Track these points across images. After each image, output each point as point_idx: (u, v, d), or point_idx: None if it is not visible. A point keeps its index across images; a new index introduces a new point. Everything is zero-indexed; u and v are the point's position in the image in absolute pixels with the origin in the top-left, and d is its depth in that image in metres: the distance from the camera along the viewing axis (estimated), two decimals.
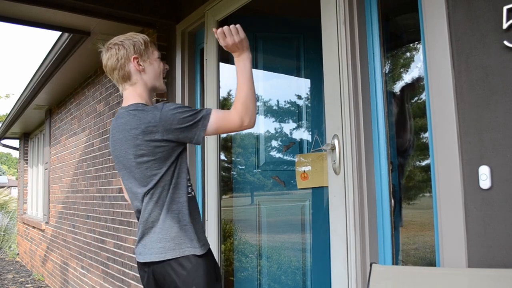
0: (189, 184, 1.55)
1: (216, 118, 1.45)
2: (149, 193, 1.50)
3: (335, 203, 1.67)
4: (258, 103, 2.85)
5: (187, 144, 1.52)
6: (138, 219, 1.57)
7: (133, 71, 1.56)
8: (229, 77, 2.90)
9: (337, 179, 1.67)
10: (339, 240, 1.65)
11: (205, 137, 2.52)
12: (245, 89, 1.46)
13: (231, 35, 1.47)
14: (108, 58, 1.57)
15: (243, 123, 1.44)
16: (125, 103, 1.58)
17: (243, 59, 1.50)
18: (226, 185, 2.89)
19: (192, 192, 1.57)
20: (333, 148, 1.67)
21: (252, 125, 1.45)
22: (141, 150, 1.47)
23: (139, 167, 1.49)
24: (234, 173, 2.92)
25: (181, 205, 1.49)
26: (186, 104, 2.83)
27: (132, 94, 1.57)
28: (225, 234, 2.98)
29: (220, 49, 2.53)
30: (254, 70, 2.85)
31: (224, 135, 2.87)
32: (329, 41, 1.74)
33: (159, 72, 1.64)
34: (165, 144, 1.45)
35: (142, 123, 1.46)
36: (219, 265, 1.59)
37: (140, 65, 1.57)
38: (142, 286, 3.15)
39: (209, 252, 1.53)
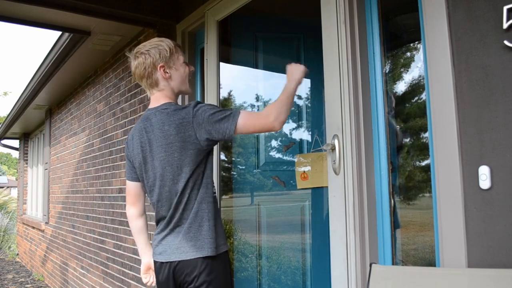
0: (213, 185, 1.64)
1: (246, 114, 1.53)
2: (180, 191, 1.56)
3: (335, 203, 1.67)
4: (258, 103, 2.85)
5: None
6: (160, 219, 1.65)
7: (160, 78, 1.63)
8: (229, 77, 2.90)
9: (337, 179, 1.67)
10: (339, 240, 1.64)
11: None
12: (282, 98, 1.55)
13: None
14: (136, 66, 1.65)
15: (273, 120, 1.49)
16: (153, 105, 1.65)
17: (293, 80, 1.62)
18: (226, 185, 2.89)
19: (216, 193, 1.67)
20: (333, 148, 1.67)
21: (279, 126, 1.51)
22: (174, 147, 1.54)
23: (171, 165, 1.55)
24: (234, 173, 2.92)
25: (210, 205, 1.57)
26: None
27: (161, 96, 1.65)
28: (225, 234, 2.97)
29: (220, 49, 2.53)
30: (254, 70, 2.86)
31: None
32: (329, 41, 1.74)
33: (185, 76, 1.70)
34: (197, 141, 1.53)
35: (176, 119, 1.54)
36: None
37: (167, 72, 1.63)
38: (142, 286, 3.16)
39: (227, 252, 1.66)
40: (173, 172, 1.56)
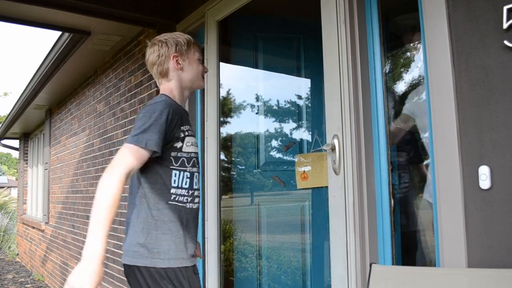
0: (182, 193, 1.52)
1: (130, 151, 1.39)
2: (132, 192, 1.53)
3: (335, 203, 1.67)
4: (259, 103, 2.85)
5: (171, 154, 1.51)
6: None
7: (171, 68, 1.61)
8: (229, 77, 2.90)
9: (337, 179, 1.66)
10: (339, 240, 1.64)
11: (206, 136, 2.54)
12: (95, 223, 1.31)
13: None
14: (150, 53, 1.63)
15: (110, 176, 1.34)
16: None
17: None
18: (226, 185, 2.89)
19: (189, 204, 1.55)
20: (333, 148, 1.67)
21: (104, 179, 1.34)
22: None
23: None
24: (234, 173, 2.92)
25: (160, 212, 1.48)
26: (187, 107, 2.82)
27: (164, 88, 1.63)
28: (225, 235, 2.98)
29: (220, 49, 2.53)
30: (254, 70, 2.86)
31: (224, 134, 2.87)
32: (329, 41, 1.74)
33: (198, 72, 1.67)
34: None
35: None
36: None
37: (179, 63, 1.62)
38: None
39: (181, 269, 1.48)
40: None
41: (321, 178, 2.37)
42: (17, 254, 8.85)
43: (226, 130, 2.92)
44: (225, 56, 2.70)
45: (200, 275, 2.74)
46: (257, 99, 2.85)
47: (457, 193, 1.27)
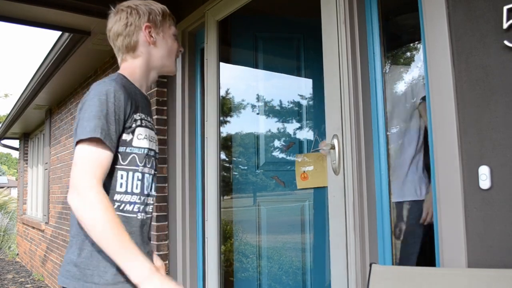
0: (131, 200, 1.22)
1: (91, 151, 1.11)
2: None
3: (335, 203, 1.67)
4: (259, 103, 2.85)
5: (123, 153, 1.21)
6: None
7: (141, 41, 1.32)
8: (229, 77, 2.90)
9: (336, 179, 1.66)
10: (339, 241, 1.64)
11: (206, 136, 2.54)
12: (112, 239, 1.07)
13: None
14: (115, 21, 1.32)
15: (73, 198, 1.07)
16: None
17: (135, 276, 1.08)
18: (226, 186, 2.89)
19: (140, 214, 1.24)
20: (332, 148, 1.67)
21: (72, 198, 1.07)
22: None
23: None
24: (235, 173, 2.92)
25: None
26: (187, 106, 2.82)
27: (125, 66, 1.34)
28: (225, 235, 2.98)
29: (220, 49, 2.53)
30: (254, 70, 2.86)
31: (224, 134, 2.87)
32: (329, 41, 1.74)
33: (172, 51, 1.39)
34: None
35: (81, 101, 1.19)
36: None
37: (152, 36, 1.33)
38: None
39: None
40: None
41: (321, 178, 2.37)
42: (17, 254, 8.85)
43: (226, 130, 2.92)
44: (225, 56, 2.70)
45: (200, 275, 2.75)
46: (258, 99, 2.85)
47: (457, 193, 1.27)
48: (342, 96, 1.67)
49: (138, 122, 1.23)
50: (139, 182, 1.23)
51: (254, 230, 2.71)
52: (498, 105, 1.19)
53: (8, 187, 17.37)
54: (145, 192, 1.26)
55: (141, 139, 1.23)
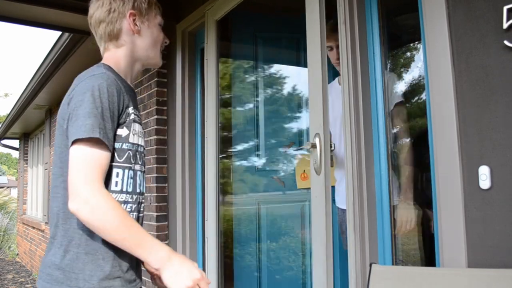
0: (125, 200, 1.16)
1: (91, 151, 1.04)
2: (55, 195, 1.15)
3: (316, 204, 1.63)
4: (259, 103, 2.85)
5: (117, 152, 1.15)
6: None
7: (125, 29, 1.24)
8: (229, 77, 2.90)
9: (318, 179, 1.61)
10: (320, 245, 1.61)
11: (206, 136, 2.54)
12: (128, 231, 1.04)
13: None
14: (97, 7, 1.24)
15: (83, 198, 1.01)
16: None
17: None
18: (226, 185, 2.89)
19: (133, 213, 1.19)
20: (313, 147, 1.62)
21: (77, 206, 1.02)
22: (59, 130, 1.14)
23: (55, 155, 1.17)
24: (234, 173, 2.92)
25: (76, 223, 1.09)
26: (187, 106, 2.82)
27: (108, 56, 1.25)
28: (225, 234, 2.98)
29: (220, 49, 2.53)
30: (253, 70, 2.85)
31: (224, 134, 2.87)
32: (313, 46, 1.72)
33: (157, 41, 1.31)
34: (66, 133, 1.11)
35: (72, 90, 1.14)
36: None
37: (136, 25, 1.25)
38: (144, 286, 3.15)
39: None
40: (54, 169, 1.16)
41: None
42: (17, 254, 8.85)
43: (226, 130, 2.92)
44: (226, 56, 2.71)
45: None
46: (257, 99, 2.85)
47: (457, 193, 1.27)
48: (343, 96, 1.67)
49: (132, 116, 1.17)
50: (131, 180, 1.18)
51: (254, 230, 2.71)
52: (498, 105, 1.19)
53: (8, 187, 17.37)
54: (137, 191, 1.21)
55: (135, 134, 1.18)
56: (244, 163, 2.88)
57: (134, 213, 1.20)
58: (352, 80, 1.65)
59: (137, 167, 1.20)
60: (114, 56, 1.24)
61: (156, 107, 2.90)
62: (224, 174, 2.80)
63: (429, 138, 1.42)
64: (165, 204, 2.89)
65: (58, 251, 1.10)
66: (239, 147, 2.92)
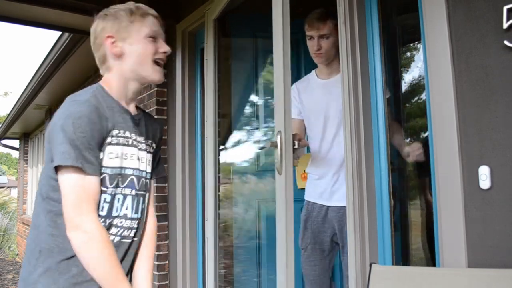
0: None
1: (76, 178, 1.07)
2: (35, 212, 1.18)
3: (279, 205, 1.57)
4: (259, 103, 2.85)
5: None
6: None
7: (108, 54, 1.21)
8: (229, 77, 2.90)
9: (279, 179, 1.52)
10: (281, 248, 1.55)
11: (206, 136, 2.54)
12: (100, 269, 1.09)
13: None
14: (91, 32, 1.27)
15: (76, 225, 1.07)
16: None
17: None
18: (226, 185, 2.89)
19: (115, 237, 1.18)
20: (274, 146, 1.49)
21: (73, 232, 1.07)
22: (47, 155, 1.15)
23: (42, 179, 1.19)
24: (234, 173, 2.92)
25: (58, 239, 1.10)
26: (187, 106, 2.82)
27: (103, 79, 1.25)
28: (225, 234, 2.98)
29: (218, 49, 2.53)
30: (253, 70, 2.85)
31: (224, 134, 2.87)
32: (277, 43, 1.72)
33: (146, 56, 1.21)
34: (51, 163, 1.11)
35: (55, 116, 1.13)
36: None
37: (117, 46, 1.19)
38: None
39: None
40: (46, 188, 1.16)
41: None
42: (17, 254, 8.85)
43: (226, 130, 2.92)
44: (225, 56, 2.70)
45: (200, 275, 2.75)
46: (257, 99, 2.85)
47: (457, 193, 1.27)
48: (343, 96, 1.67)
49: (109, 140, 1.13)
50: (106, 204, 1.14)
51: (254, 230, 2.71)
52: (498, 105, 1.19)
53: (8, 187, 17.36)
54: (113, 215, 1.16)
55: (112, 158, 1.14)
56: (244, 163, 2.88)
57: (116, 237, 1.18)
58: (352, 80, 1.65)
59: (118, 190, 1.16)
60: (106, 79, 1.24)
61: (156, 107, 2.90)
62: (224, 174, 2.80)
63: (429, 138, 1.42)
64: (165, 204, 2.89)
65: (33, 267, 1.13)
66: (239, 147, 2.92)
